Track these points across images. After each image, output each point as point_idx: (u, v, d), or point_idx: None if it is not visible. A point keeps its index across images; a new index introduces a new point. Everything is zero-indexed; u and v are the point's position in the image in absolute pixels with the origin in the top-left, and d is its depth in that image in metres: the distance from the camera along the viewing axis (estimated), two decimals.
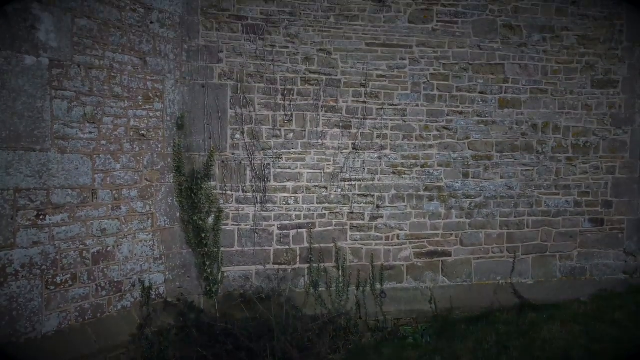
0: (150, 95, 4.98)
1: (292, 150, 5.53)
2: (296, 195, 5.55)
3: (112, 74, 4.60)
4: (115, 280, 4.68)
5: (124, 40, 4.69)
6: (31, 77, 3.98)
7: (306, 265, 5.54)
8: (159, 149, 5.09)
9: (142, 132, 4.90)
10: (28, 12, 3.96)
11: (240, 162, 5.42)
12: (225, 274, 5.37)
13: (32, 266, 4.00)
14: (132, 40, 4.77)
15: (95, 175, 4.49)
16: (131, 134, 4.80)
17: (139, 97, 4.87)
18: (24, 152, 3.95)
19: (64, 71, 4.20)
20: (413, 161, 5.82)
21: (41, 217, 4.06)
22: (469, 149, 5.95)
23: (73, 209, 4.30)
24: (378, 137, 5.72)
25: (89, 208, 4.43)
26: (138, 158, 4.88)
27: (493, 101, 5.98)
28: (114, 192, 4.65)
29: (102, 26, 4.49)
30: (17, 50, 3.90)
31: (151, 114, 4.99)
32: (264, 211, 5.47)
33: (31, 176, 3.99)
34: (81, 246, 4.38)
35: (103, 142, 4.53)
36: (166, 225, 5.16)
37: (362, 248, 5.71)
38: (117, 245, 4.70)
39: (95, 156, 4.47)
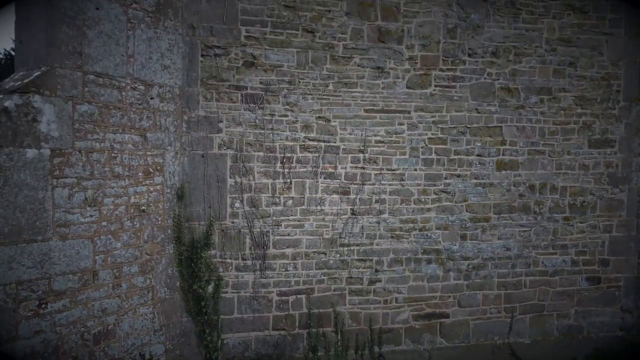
0: (151, 170, 5.03)
1: (291, 217, 5.58)
2: (295, 261, 5.60)
3: (113, 155, 4.65)
4: (116, 357, 4.73)
5: (124, 120, 4.74)
6: (33, 169, 4.02)
7: (305, 331, 5.59)
8: (159, 222, 5.13)
9: (143, 207, 4.95)
10: (30, 106, 4.01)
11: (240, 230, 5.47)
12: (225, 341, 5.42)
13: (33, 356, 4.05)
14: (132, 119, 4.82)
15: (96, 257, 4.53)
16: (132, 210, 4.85)
17: (140, 174, 4.92)
18: (25, 244, 3.99)
19: (65, 159, 4.25)
20: (411, 225, 5.86)
21: (42, 306, 4.11)
22: (466, 211, 6.00)
23: (74, 293, 4.34)
24: (376, 202, 5.77)
25: (89, 290, 4.48)
26: (138, 234, 4.93)
27: (491, 163, 6.03)
28: (115, 270, 4.70)
29: (102, 109, 4.54)
30: (19, 145, 3.94)
31: (151, 189, 5.04)
32: (263, 278, 5.52)
33: (33, 267, 4.04)
34: (82, 329, 4.42)
35: (104, 223, 4.58)
36: (166, 296, 5.21)
37: (361, 312, 5.76)
38: (118, 323, 4.75)
39: (96, 238, 4.52)
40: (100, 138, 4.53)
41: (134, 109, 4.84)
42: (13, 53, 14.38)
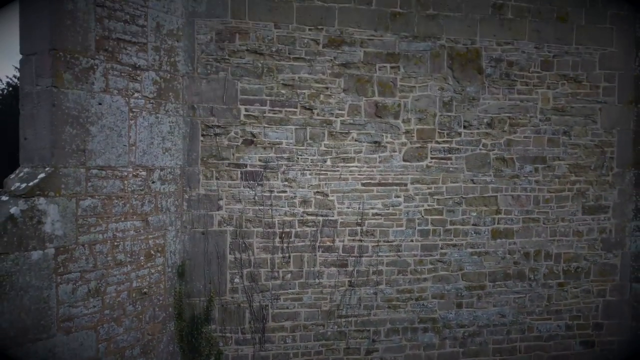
0: (152, 252, 5.14)
1: (289, 291, 5.69)
2: (294, 333, 5.70)
3: (115, 244, 4.76)
4: None
5: (126, 208, 4.85)
6: (37, 270, 4.13)
7: None
8: (161, 301, 5.24)
9: (144, 290, 5.06)
10: (35, 210, 4.12)
11: (240, 305, 5.58)
12: None
13: None
14: (134, 206, 4.93)
15: (99, 345, 4.64)
16: (134, 295, 4.95)
17: (141, 258, 5.03)
18: (31, 344, 4.10)
19: (69, 255, 4.36)
20: (408, 295, 5.97)
21: None
22: (462, 279, 6.10)
23: None
24: (373, 273, 5.88)
25: None
26: (140, 316, 5.04)
27: (486, 232, 6.13)
28: (117, 355, 4.81)
29: (105, 200, 4.65)
30: (25, 249, 4.06)
31: (153, 270, 5.15)
32: (263, 351, 5.63)
33: None
34: None
35: (107, 311, 4.69)
36: None
37: None
38: None
39: (99, 327, 4.63)
40: (103, 229, 4.64)
41: (136, 196, 4.95)
42: (16, 81, 14.52)
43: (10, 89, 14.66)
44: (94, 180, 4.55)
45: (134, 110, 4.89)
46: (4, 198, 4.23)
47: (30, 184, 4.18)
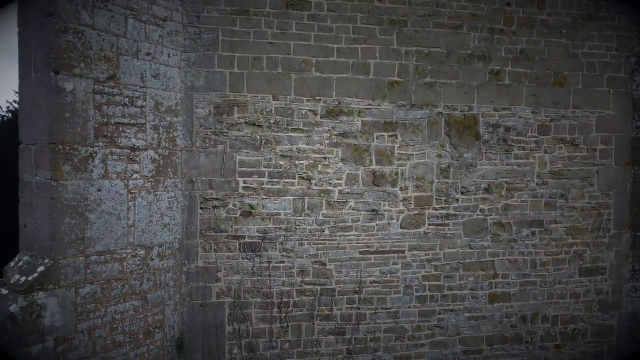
0: (151, 329, 5.17)
1: None
2: None
3: (114, 326, 4.79)
4: None
5: (125, 290, 4.88)
6: None
7: None
8: None
9: None
10: (34, 305, 4.16)
11: None
12: None
13: None
14: (133, 286, 4.96)
15: None
16: None
17: (140, 336, 5.06)
18: None
19: (68, 345, 4.39)
20: None
21: None
22: (460, 344, 6.13)
23: None
24: (371, 340, 5.91)
25: None
26: None
27: (483, 297, 6.16)
28: None
29: (104, 285, 4.68)
30: (24, 345, 4.09)
31: (152, 347, 5.19)
32: None
33: None
34: None
35: None
36: None
37: None
38: None
39: None
40: (102, 314, 4.67)
41: (135, 276, 4.98)
42: (16, 106, 14.51)
43: (10, 115, 14.65)
44: (93, 267, 4.59)
45: (133, 191, 4.93)
46: (4, 292, 4.28)
47: (30, 278, 4.22)
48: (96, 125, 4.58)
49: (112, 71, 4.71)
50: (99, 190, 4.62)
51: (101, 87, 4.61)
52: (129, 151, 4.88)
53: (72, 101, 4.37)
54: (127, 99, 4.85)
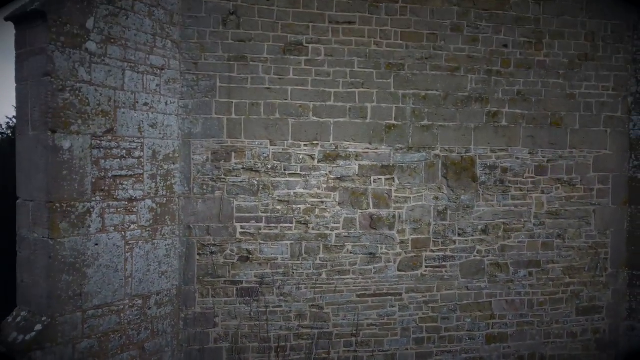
0: None
1: None
2: None
3: None
4: None
5: (122, 340, 4.88)
6: None
7: None
8: None
9: None
10: None
11: None
12: None
13: None
14: (130, 336, 4.97)
15: None
16: None
17: None
18: None
19: None
20: None
21: None
22: None
23: None
24: None
25: None
26: None
27: (480, 338, 6.18)
28: None
29: (102, 338, 4.69)
30: None
31: None
32: None
33: None
34: None
35: None
36: None
37: None
38: None
39: None
40: None
41: (132, 326, 4.99)
42: (15, 121, 14.50)
43: (10, 132, 14.65)
44: (91, 321, 4.60)
45: (130, 242, 4.94)
46: (2, 349, 4.29)
47: (27, 337, 4.24)
48: (93, 180, 4.59)
49: (110, 125, 4.72)
50: (96, 245, 4.63)
51: (98, 142, 4.62)
52: (126, 202, 4.90)
53: (69, 158, 4.39)
54: (124, 151, 4.87)
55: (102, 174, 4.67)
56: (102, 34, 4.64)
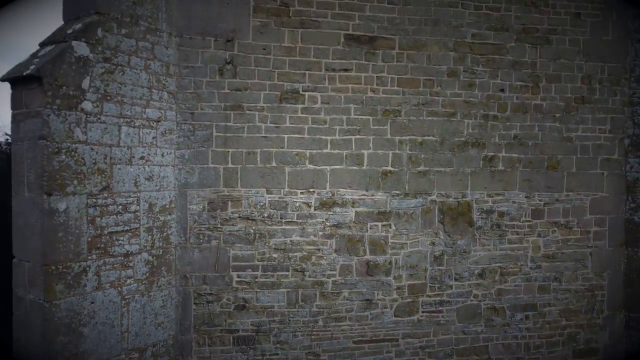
0: None
1: None
2: None
3: None
4: None
5: None
6: None
7: None
8: None
9: None
10: None
11: None
12: None
13: None
14: None
15: None
16: None
17: None
18: None
19: None
20: None
21: None
22: None
23: None
24: None
25: None
26: None
27: None
28: None
29: None
30: None
31: None
32: None
33: None
34: None
35: None
36: None
37: None
38: None
39: None
40: None
41: None
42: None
43: (7, 147, 14.62)
44: None
45: (126, 297, 4.95)
46: None
47: None
48: (89, 239, 4.60)
49: (106, 182, 4.73)
50: (92, 303, 4.63)
51: (94, 200, 4.63)
52: (123, 258, 4.90)
53: (65, 220, 4.39)
54: (120, 207, 4.88)
55: (98, 231, 4.68)
56: (98, 92, 4.64)
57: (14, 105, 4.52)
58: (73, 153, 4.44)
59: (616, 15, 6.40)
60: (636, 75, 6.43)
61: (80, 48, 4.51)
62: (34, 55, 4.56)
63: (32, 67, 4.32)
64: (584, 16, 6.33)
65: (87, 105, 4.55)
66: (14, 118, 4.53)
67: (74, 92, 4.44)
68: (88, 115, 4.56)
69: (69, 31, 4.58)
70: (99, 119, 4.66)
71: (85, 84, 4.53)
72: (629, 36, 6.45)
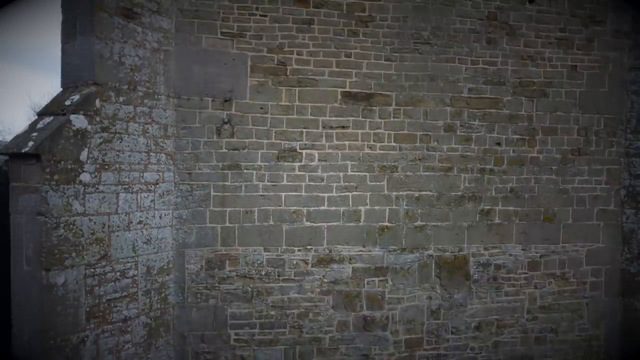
0: None
1: None
2: None
3: None
4: None
5: None
6: None
7: None
8: None
9: None
10: None
11: None
12: None
13: None
14: None
15: None
16: None
17: None
18: None
19: None
20: None
21: None
22: None
23: None
24: None
25: None
26: None
27: None
28: None
29: None
30: None
31: None
32: None
33: None
34: None
35: None
36: None
37: None
38: None
39: None
40: None
41: None
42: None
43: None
44: None
45: None
46: None
47: None
48: (87, 309, 4.63)
49: (104, 251, 4.77)
50: None
51: (92, 270, 4.67)
52: (121, 323, 4.94)
53: (64, 293, 4.43)
54: (118, 273, 4.91)
55: (97, 300, 4.71)
56: (96, 162, 4.68)
57: (13, 178, 4.54)
58: (71, 226, 4.48)
59: (612, 67, 6.43)
60: (632, 127, 6.45)
61: (78, 121, 4.55)
62: (33, 127, 4.60)
63: (30, 143, 4.35)
64: (581, 68, 6.36)
65: (85, 177, 4.59)
66: (12, 190, 4.54)
67: (72, 166, 4.48)
68: (86, 187, 4.59)
69: (67, 102, 4.62)
70: (97, 188, 4.70)
71: (84, 156, 4.57)
72: (625, 87, 6.47)
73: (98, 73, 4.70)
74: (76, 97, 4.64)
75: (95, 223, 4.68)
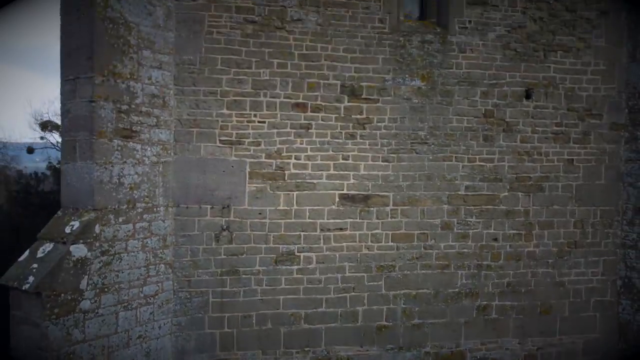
0: None
1: None
2: None
3: None
4: None
5: None
6: None
7: None
8: None
9: None
10: None
11: None
12: None
13: None
14: None
15: None
16: None
17: None
18: None
19: None
20: None
21: None
22: None
23: None
24: None
25: None
26: None
27: None
28: None
29: None
30: None
31: None
32: None
33: None
34: None
35: None
36: None
37: None
38: None
39: None
40: None
41: None
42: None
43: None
44: None
45: None
46: None
47: None
48: None
49: None
50: None
51: None
52: None
53: None
54: None
55: None
56: (96, 287, 4.73)
57: (14, 307, 4.60)
58: (71, 355, 4.52)
59: (609, 159, 6.48)
60: (628, 218, 6.50)
61: (78, 250, 4.60)
62: (33, 254, 4.66)
63: (31, 278, 4.42)
64: (577, 162, 6.41)
65: (85, 304, 4.64)
66: (13, 318, 4.61)
67: (72, 296, 4.53)
68: (86, 314, 4.64)
69: (67, 230, 4.68)
70: (97, 313, 4.74)
71: (83, 284, 4.62)
72: (622, 179, 6.52)
73: (97, 199, 4.75)
74: (76, 225, 4.69)
75: (94, 347, 4.72)
